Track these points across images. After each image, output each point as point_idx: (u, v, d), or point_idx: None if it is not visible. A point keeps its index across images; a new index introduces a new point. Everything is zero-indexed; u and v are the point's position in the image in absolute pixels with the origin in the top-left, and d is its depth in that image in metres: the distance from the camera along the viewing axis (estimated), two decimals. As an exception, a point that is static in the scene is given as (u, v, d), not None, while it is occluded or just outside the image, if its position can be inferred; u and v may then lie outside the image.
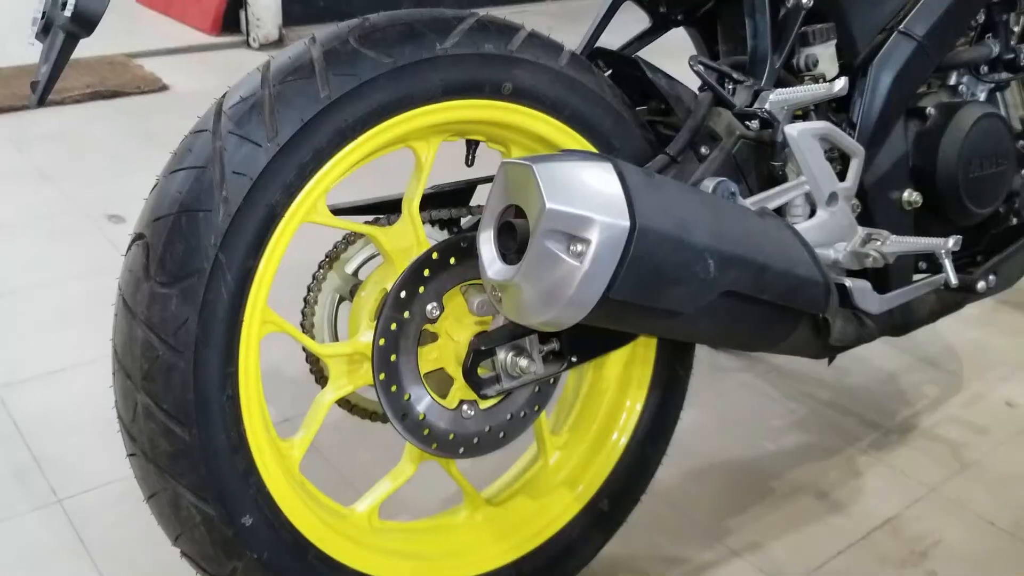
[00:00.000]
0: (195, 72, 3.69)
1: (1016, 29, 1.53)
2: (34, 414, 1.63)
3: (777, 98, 1.11)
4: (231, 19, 4.15)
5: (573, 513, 1.23)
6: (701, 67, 1.13)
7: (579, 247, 0.82)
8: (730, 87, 1.21)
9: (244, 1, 4.01)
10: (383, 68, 0.98)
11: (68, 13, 0.81)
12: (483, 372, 1.08)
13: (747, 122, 1.14)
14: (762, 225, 1.00)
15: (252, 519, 0.98)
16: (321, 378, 1.17)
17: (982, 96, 1.52)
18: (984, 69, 1.52)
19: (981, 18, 1.49)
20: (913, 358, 1.94)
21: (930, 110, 1.39)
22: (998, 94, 1.56)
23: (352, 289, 1.18)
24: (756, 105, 1.12)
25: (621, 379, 1.27)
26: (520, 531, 1.21)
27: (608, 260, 0.82)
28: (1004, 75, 1.53)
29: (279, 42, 4.09)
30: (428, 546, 1.17)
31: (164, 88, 3.42)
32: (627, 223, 0.83)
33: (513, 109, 1.09)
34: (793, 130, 1.17)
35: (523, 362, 1.04)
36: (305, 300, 1.16)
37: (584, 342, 1.07)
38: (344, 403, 1.18)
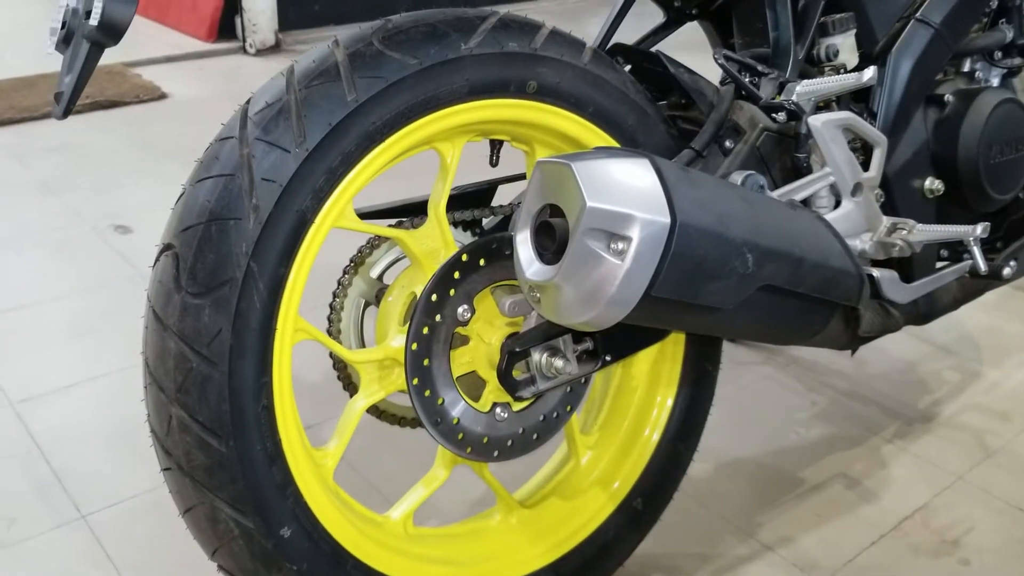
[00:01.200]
0: (193, 79, 3.67)
1: None
2: (52, 429, 1.61)
3: (804, 89, 1.10)
4: (227, 25, 4.13)
5: (608, 513, 1.22)
6: (725, 60, 1.12)
7: (620, 245, 0.81)
8: (753, 80, 1.20)
9: (240, 7, 3.99)
10: (409, 69, 0.97)
11: (94, 22, 0.80)
12: (517, 374, 1.07)
13: (774, 114, 1.13)
14: (795, 217, 0.99)
15: (290, 531, 0.97)
16: (348, 385, 1.16)
17: (995, 82, 1.51)
18: (998, 55, 1.51)
19: (994, 3, 1.48)
20: (930, 346, 1.93)
21: (948, 97, 1.38)
22: (1010, 79, 1.55)
23: (378, 294, 1.17)
24: (783, 97, 1.11)
25: (650, 376, 1.26)
26: (556, 533, 1.20)
27: (649, 257, 0.81)
28: (1018, 60, 1.52)
29: (276, 47, 4.07)
30: (464, 551, 1.16)
31: (163, 96, 3.40)
32: (667, 219, 0.82)
33: (538, 107, 1.08)
34: (817, 121, 1.16)
35: (558, 362, 1.03)
36: (331, 306, 1.15)
37: (617, 340, 1.06)
38: (373, 409, 1.17)
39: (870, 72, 1.15)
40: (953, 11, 1.35)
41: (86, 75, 0.85)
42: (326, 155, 0.94)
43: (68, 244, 2.30)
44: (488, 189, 1.26)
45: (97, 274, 2.15)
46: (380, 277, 1.19)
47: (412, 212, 1.15)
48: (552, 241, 0.86)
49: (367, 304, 1.19)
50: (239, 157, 0.92)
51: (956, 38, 1.37)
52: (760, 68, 1.14)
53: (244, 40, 4.04)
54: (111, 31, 0.80)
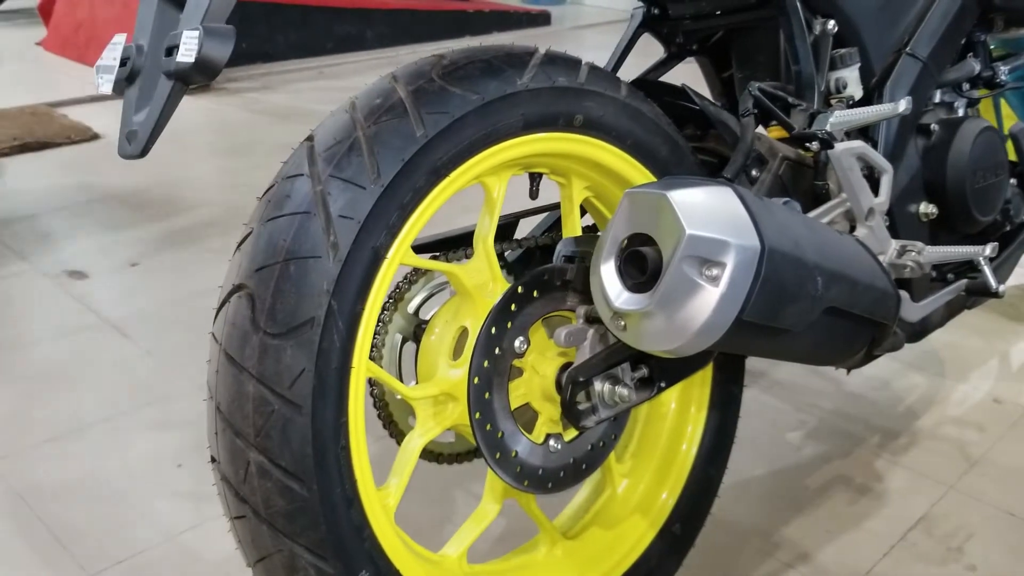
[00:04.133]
0: (123, 120, 3.57)
1: (992, 49, 1.63)
2: (39, 488, 1.53)
3: (838, 120, 1.16)
4: (153, 65, 4.03)
5: (649, 539, 1.24)
6: (760, 93, 1.17)
7: (714, 271, 0.83)
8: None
9: (167, 46, 3.91)
10: (472, 105, 0.98)
11: (187, 59, 0.78)
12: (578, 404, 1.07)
13: (807, 143, 1.18)
14: (845, 241, 1.04)
15: (368, 574, 0.95)
16: (389, 423, 1.15)
17: (961, 111, 1.61)
18: (966, 86, 1.61)
19: (963, 40, 1.58)
20: (899, 363, 2.02)
21: (934, 127, 1.46)
22: (975, 108, 1.65)
23: (415, 329, 1.16)
24: (815, 127, 1.16)
25: (681, 402, 1.28)
26: (601, 563, 1.21)
27: (742, 282, 0.84)
28: (983, 92, 1.62)
29: (205, 86, 4.00)
30: (518, 586, 1.15)
31: (96, 137, 3.30)
32: (757, 244, 0.84)
33: (583, 140, 1.10)
34: (837, 150, 1.21)
35: (623, 391, 1.04)
36: (373, 344, 1.13)
37: (671, 367, 1.08)
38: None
39: (904, 104, 1.21)
40: (937, 46, 1.43)
41: (168, 113, 0.83)
42: (398, 191, 0.93)
43: (23, 293, 2.20)
44: (512, 223, 1.27)
45: (61, 322, 2.06)
46: (416, 312, 1.18)
47: (454, 245, 1.15)
48: (638, 269, 0.87)
49: (404, 340, 1.18)
50: (313, 195, 0.91)
51: (940, 71, 1.46)
52: (791, 100, 1.19)
53: (172, 79, 3.95)
54: (207, 69, 0.78)
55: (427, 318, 1.16)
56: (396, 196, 0.93)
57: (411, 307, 1.18)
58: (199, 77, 0.78)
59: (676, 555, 1.26)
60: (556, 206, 1.35)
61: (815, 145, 1.17)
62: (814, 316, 0.94)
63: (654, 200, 0.85)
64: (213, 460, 0.94)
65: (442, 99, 0.97)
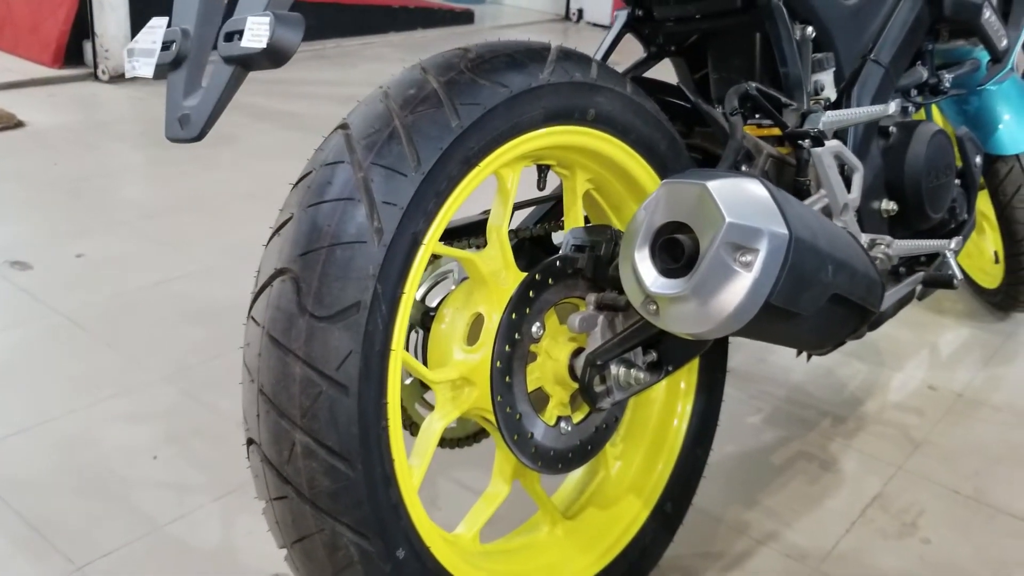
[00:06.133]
0: (46, 107, 3.45)
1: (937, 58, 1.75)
2: (11, 480, 1.49)
3: (830, 119, 1.23)
4: (74, 51, 3.90)
5: (644, 518, 1.29)
6: (757, 93, 1.23)
7: (747, 257, 0.89)
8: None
9: (92, 33, 3.79)
10: (501, 97, 1.01)
11: (258, 44, 0.78)
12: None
13: (799, 141, 1.25)
14: (842, 233, 1.11)
15: (404, 552, 0.97)
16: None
17: (911, 116, 1.72)
18: (914, 92, 1.72)
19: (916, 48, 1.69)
20: (840, 354, 2.13)
21: (892, 129, 1.56)
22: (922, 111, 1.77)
23: (422, 317, 1.19)
24: (807, 126, 1.23)
25: (669, 387, 1.34)
26: (601, 541, 1.25)
27: (772, 268, 0.90)
28: (928, 98, 1.74)
29: (129, 75, 3.89)
30: (525, 565, 1.19)
31: (20, 124, 3.17)
32: (786, 232, 0.90)
33: (593, 134, 1.14)
34: (818, 149, 1.29)
35: (637, 373, 1.09)
36: (386, 331, 1.15)
37: (677, 351, 1.14)
38: (411, 426, 1.17)
39: (894, 106, 1.29)
40: (896, 53, 1.53)
41: (227, 98, 0.83)
42: (436, 179, 0.96)
43: (-37, 283, 2.11)
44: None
45: (8, 314, 1.99)
46: (423, 300, 1.21)
47: (466, 234, 1.19)
48: (671, 256, 0.93)
49: (412, 326, 1.20)
50: (355, 181, 0.93)
51: (898, 76, 1.56)
52: (783, 100, 1.26)
53: (96, 67, 3.83)
54: (277, 55, 0.79)
55: (433, 305, 1.19)
56: (434, 184, 0.96)
57: (418, 295, 1.21)
58: (267, 63, 0.80)
59: (668, 532, 1.32)
60: (546, 199, 1.40)
61: (807, 142, 1.25)
62: (822, 302, 1.01)
63: (695, 190, 0.90)
64: (251, 442, 0.95)
65: (473, 91, 1.00)
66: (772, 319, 0.97)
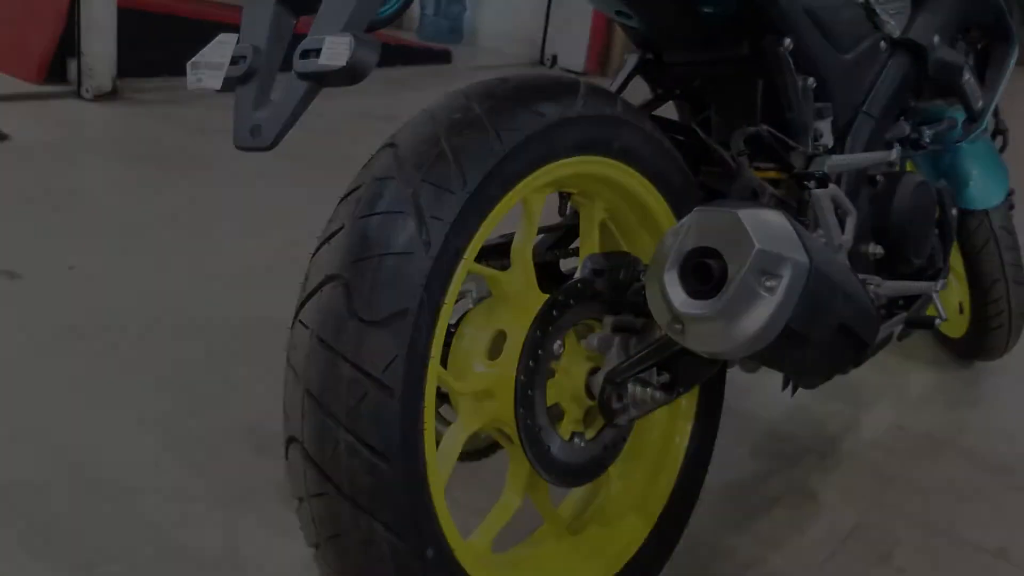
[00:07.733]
0: (30, 122, 3.45)
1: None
2: (11, 484, 1.50)
3: (836, 162, 1.32)
4: (58, 68, 3.91)
5: (644, 535, 1.34)
6: (770, 136, 1.31)
7: (771, 282, 0.96)
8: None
9: (77, 50, 3.80)
10: (540, 125, 1.08)
11: (338, 63, 0.84)
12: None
13: (805, 182, 1.33)
14: (847, 267, 1.19)
15: (432, 551, 1.01)
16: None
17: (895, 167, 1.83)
18: (896, 145, 1.82)
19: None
20: (812, 394, 2.21)
21: (879, 177, 1.66)
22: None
23: (442, 333, 1.23)
24: (812, 168, 1.32)
25: (670, 409, 1.40)
26: (603, 557, 1.30)
27: (793, 293, 0.97)
28: (907, 151, 1.85)
29: (113, 94, 3.90)
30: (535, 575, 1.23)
31: (4, 137, 3.17)
32: (807, 261, 0.98)
33: (616, 166, 1.21)
34: (820, 191, 1.38)
35: (653, 392, 1.15)
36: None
37: (689, 372, 1.20)
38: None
39: (894, 153, 1.38)
40: (885, 108, 1.63)
41: (300, 111, 0.89)
42: (479, 198, 1.02)
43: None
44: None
45: (3, 321, 1.99)
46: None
47: (491, 255, 1.24)
48: (698, 279, 0.99)
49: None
50: (405, 196, 0.98)
51: (886, 129, 1.66)
52: (790, 143, 1.34)
53: (80, 85, 3.84)
54: (354, 74, 0.84)
55: (452, 322, 1.24)
56: (477, 203, 1.02)
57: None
58: (344, 80, 0.85)
59: (667, 548, 1.38)
60: (553, 228, 1.46)
61: (812, 184, 1.33)
62: (832, 330, 1.08)
63: (727, 218, 0.97)
64: (292, 440, 0.99)
65: (515, 118, 1.07)
66: (786, 343, 1.03)
